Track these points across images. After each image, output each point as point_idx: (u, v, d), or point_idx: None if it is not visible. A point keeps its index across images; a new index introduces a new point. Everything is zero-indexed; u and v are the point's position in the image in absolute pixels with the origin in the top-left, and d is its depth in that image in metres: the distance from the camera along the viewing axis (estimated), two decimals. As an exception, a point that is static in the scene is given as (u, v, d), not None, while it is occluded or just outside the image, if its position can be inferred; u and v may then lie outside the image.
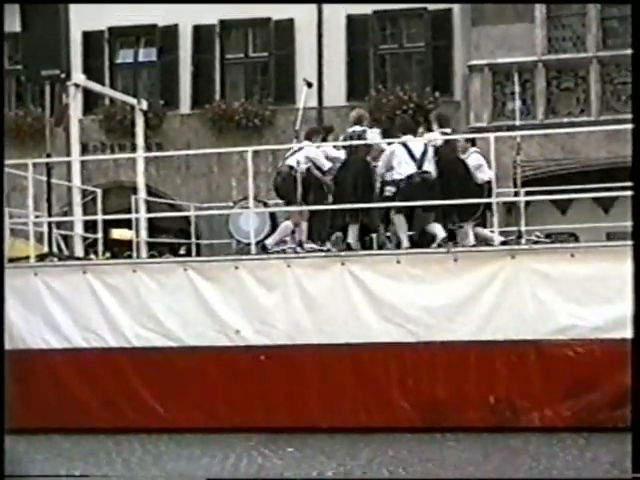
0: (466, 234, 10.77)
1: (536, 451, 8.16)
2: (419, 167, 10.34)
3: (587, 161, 17.45)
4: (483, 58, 18.28)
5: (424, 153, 10.43)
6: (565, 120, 17.57)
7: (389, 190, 10.44)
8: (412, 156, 10.38)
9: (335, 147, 11.21)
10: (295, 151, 11.06)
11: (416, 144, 10.51)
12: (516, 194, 11.60)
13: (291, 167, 10.80)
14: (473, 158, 11.01)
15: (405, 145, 10.46)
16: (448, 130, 11.12)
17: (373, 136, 11.01)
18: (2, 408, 5.22)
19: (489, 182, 10.63)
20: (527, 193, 12.00)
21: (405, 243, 10.30)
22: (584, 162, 17.49)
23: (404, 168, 10.32)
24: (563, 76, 18.22)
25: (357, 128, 10.95)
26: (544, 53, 18.22)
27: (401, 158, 10.39)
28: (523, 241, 10.24)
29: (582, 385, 8.95)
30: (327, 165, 11.00)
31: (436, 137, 10.82)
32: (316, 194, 10.92)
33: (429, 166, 10.41)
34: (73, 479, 7.76)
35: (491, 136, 10.44)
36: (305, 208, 10.68)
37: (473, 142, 11.58)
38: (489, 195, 10.47)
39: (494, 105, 18.32)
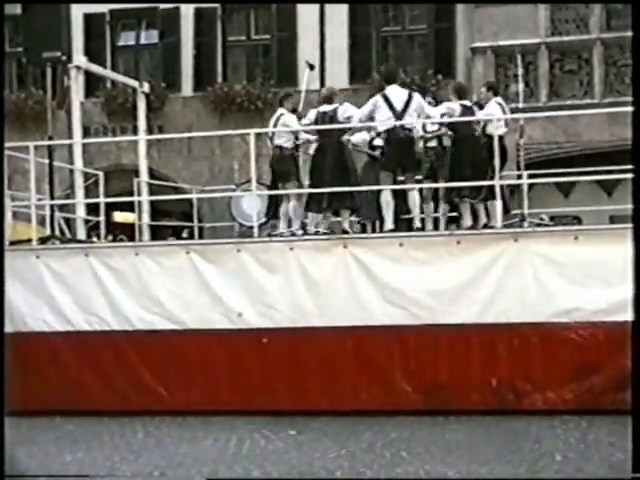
0: (466, 213, 10.59)
1: (538, 434, 8.17)
2: (399, 119, 9.92)
3: (590, 144, 17.37)
4: (486, 40, 18.16)
5: (407, 105, 10.00)
6: (568, 103, 17.47)
7: (377, 141, 10.22)
8: (392, 109, 9.95)
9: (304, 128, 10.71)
10: (275, 122, 10.69)
11: (398, 95, 10.06)
12: (519, 177, 11.59)
13: (280, 147, 10.56)
14: (490, 108, 10.57)
15: (386, 98, 9.99)
16: (468, 103, 10.59)
17: (347, 108, 10.38)
18: (2, 406, 5.17)
19: (501, 137, 10.24)
20: (530, 176, 11.97)
21: (389, 224, 10.06)
22: (587, 145, 17.42)
23: (382, 126, 9.96)
24: (566, 58, 18.12)
25: (327, 108, 10.42)
26: (547, 35, 18.11)
27: (382, 114, 9.95)
28: (526, 224, 10.21)
29: (585, 368, 8.96)
30: (303, 137, 10.62)
31: (454, 107, 10.31)
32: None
33: (411, 119, 10.00)
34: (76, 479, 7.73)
35: (494, 118, 10.39)
36: (304, 191, 10.58)
37: (495, 92, 11.03)
38: (503, 151, 10.16)
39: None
